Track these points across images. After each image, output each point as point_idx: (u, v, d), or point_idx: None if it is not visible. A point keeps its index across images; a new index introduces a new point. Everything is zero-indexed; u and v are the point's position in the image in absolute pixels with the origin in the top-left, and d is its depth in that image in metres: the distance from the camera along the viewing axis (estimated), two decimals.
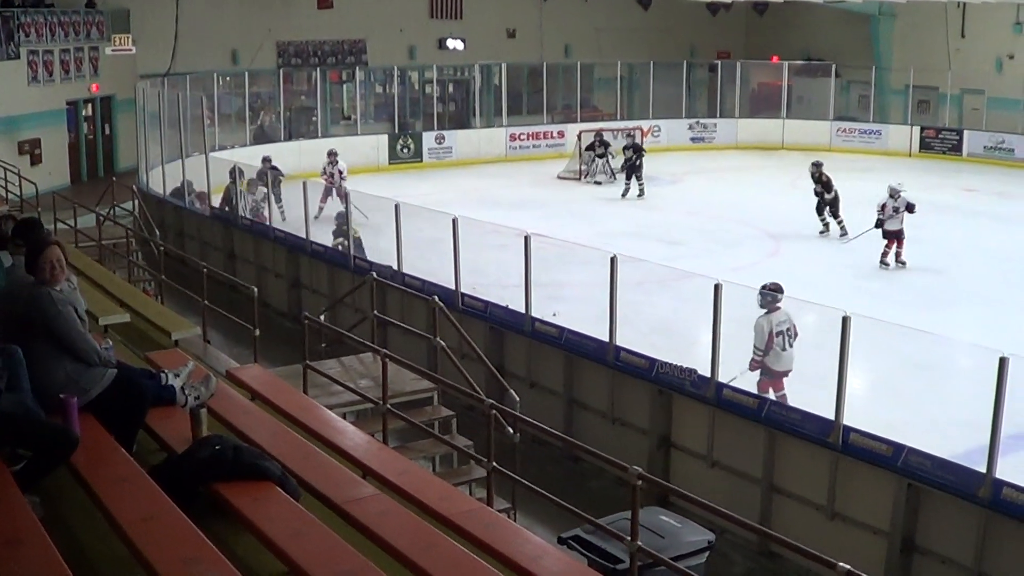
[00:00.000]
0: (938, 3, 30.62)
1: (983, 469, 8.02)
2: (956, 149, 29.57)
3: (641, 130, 28.34)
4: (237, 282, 12.83)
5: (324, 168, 21.90)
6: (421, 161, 29.39)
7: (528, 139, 31.09)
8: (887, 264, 17.25)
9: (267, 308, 15.85)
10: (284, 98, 29.67)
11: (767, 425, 9.56)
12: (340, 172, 21.60)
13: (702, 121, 33.19)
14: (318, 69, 31.11)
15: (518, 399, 10.25)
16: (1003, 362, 7.78)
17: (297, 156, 25.68)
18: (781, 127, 32.34)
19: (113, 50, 27.14)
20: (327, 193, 20.22)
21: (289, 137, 29.07)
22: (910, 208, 17.14)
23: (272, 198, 18.63)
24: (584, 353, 11.46)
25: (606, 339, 11.06)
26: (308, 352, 9.05)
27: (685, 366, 10.32)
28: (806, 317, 11.15)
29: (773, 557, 9.25)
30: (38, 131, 25.24)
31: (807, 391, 10.04)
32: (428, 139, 29.92)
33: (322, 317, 11.19)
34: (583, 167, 26.83)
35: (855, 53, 33.06)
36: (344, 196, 16.82)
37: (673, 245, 18.83)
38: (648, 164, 24.75)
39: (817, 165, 20.02)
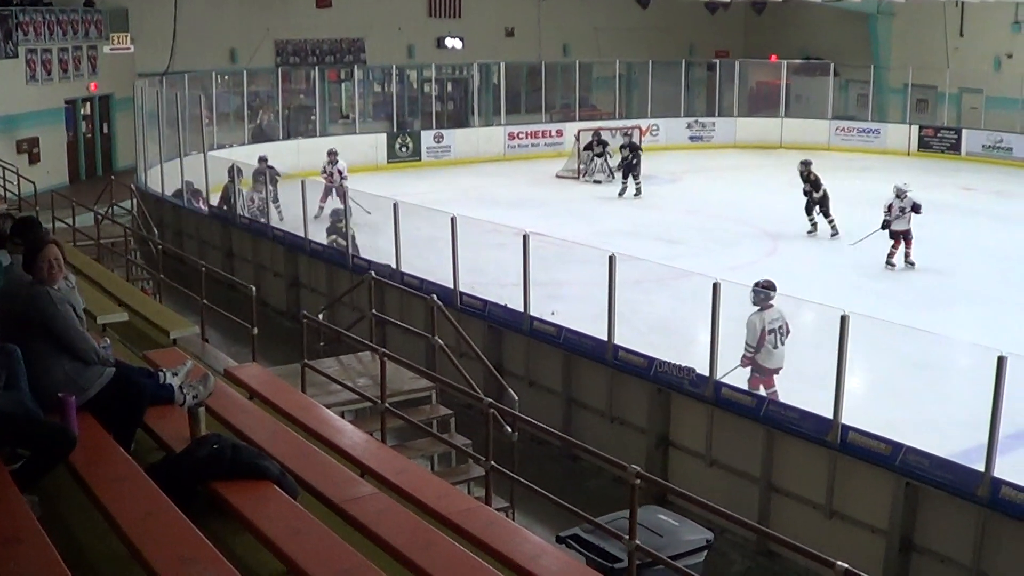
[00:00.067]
0: (937, 2, 30.64)
1: (982, 468, 8.02)
2: (955, 148, 29.54)
3: (639, 129, 28.29)
4: (235, 281, 12.81)
5: (324, 167, 21.85)
6: (419, 160, 29.34)
7: (527, 138, 31.03)
8: (893, 264, 17.07)
9: (265, 307, 15.84)
10: (283, 97, 29.68)
11: (766, 424, 9.56)
12: (340, 172, 21.52)
13: (701, 120, 33.14)
14: (316, 68, 31.08)
15: (516, 398, 10.27)
16: (1001, 361, 7.78)
17: (295, 155, 25.69)
18: (780, 126, 32.28)
19: (112, 49, 27.12)
20: (327, 192, 20.22)
21: (288, 136, 29.10)
22: (916, 208, 17.02)
23: (269, 197, 18.62)
24: (583, 352, 11.46)
25: (604, 338, 11.05)
26: (306, 351, 9.05)
27: (684, 365, 10.32)
28: (804, 316, 11.16)
29: (772, 556, 9.25)
30: (36, 130, 25.20)
31: (806, 390, 10.03)
32: (427, 138, 29.87)
33: (320, 316, 11.17)
34: (581, 166, 26.79)
35: (854, 52, 33.04)
36: (344, 195, 16.83)
37: (672, 244, 18.81)
38: (646, 163, 24.75)
39: (806, 164, 19.85)
